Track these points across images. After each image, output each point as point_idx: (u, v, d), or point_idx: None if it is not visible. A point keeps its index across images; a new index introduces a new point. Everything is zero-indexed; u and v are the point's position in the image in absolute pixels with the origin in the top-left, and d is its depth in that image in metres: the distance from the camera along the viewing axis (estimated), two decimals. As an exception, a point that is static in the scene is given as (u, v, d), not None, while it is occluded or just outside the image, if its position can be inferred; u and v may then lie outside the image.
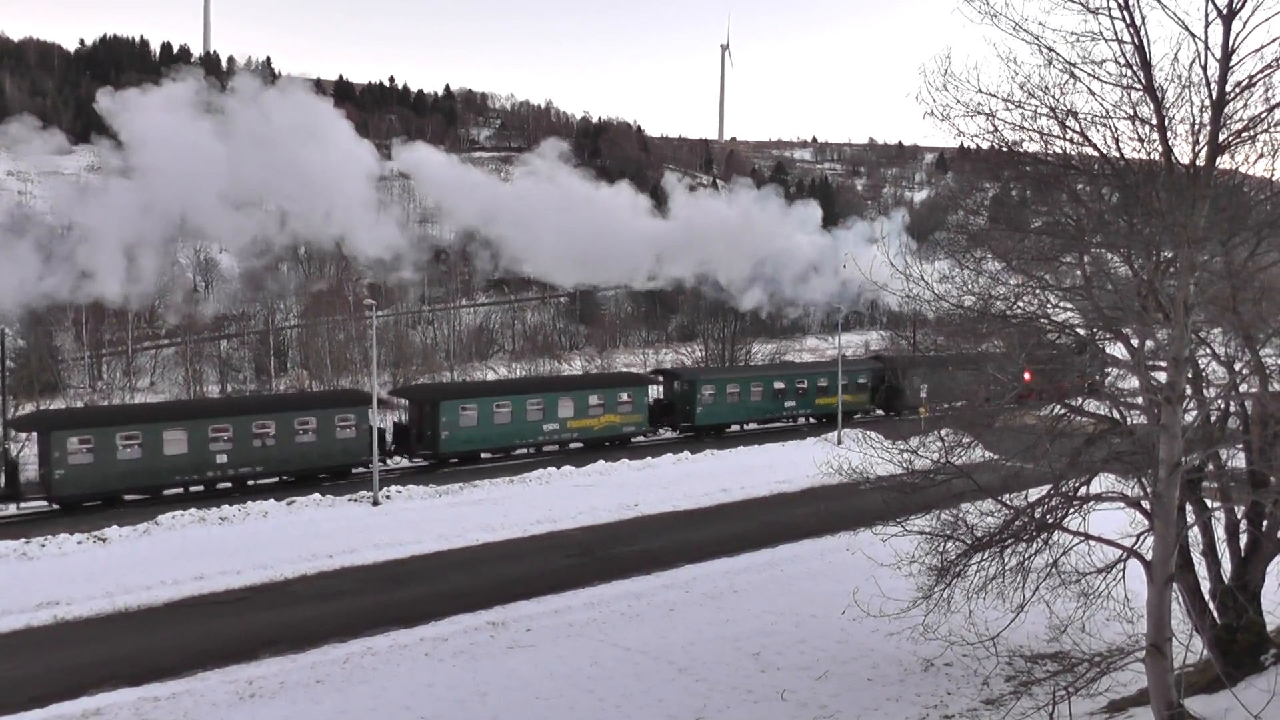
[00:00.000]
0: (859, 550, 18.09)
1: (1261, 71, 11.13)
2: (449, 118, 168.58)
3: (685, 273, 57.37)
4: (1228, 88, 11.27)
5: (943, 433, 16.33)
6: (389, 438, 40.29)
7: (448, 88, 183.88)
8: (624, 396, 45.89)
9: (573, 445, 44.36)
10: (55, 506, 32.44)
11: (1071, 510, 14.24)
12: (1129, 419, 14.35)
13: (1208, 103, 11.38)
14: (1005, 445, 15.53)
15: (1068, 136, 12.64)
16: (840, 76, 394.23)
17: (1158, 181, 11.95)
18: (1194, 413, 13.18)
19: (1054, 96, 12.35)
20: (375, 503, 32.35)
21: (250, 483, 35.88)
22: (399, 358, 71.84)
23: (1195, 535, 14.85)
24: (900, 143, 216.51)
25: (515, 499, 33.23)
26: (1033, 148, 13.14)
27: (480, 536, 28.70)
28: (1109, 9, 11.52)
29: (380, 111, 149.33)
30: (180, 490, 34.63)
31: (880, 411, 56.30)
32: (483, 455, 41.79)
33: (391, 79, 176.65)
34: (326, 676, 17.89)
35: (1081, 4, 11.62)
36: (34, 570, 24.66)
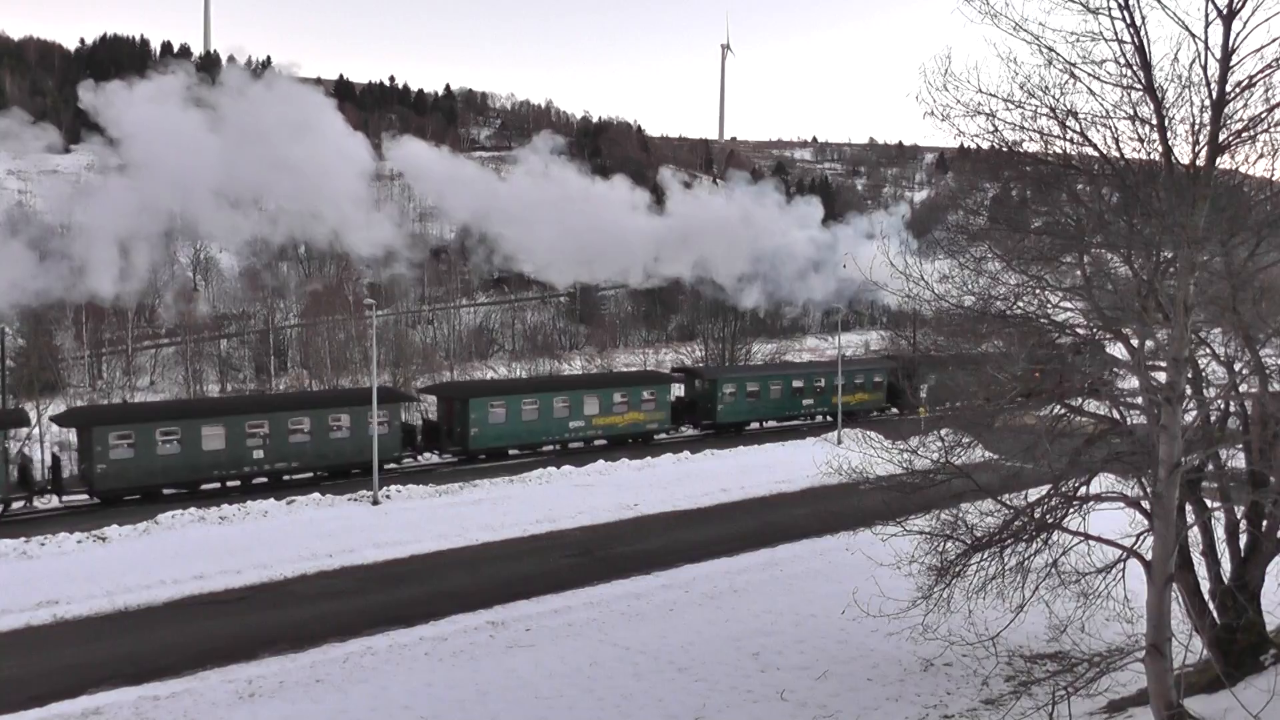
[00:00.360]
0: (858, 550, 18.10)
1: (1261, 71, 11.13)
2: (449, 117, 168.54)
3: (683, 269, 57.27)
4: (1228, 88, 11.26)
5: (942, 433, 16.34)
6: (419, 435, 41.32)
7: (448, 87, 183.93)
8: (647, 394, 46.76)
9: (597, 442, 45.00)
10: (96, 500, 33.00)
11: (1071, 510, 14.26)
12: (1129, 419, 14.36)
13: (1208, 103, 11.38)
14: (1005, 445, 15.54)
15: (1068, 136, 12.66)
16: (840, 76, 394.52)
17: (1158, 181, 11.95)
18: (1194, 413, 13.19)
19: (1054, 96, 12.37)
20: (375, 502, 32.36)
21: (285, 478, 36.62)
22: (399, 357, 71.82)
23: (1195, 535, 14.86)
24: (900, 143, 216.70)
25: (515, 499, 33.24)
26: (1033, 148, 13.15)
27: (480, 536, 28.70)
28: (1109, 9, 11.53)
29: (380, 111, 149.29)
30: (217, 485, 35.18)
31: (895, 411, 56.54)
32: (510, 452, 42.52)
33: (392, 79, 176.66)
34: (326, 676, 17.89)
35: (1082, 4, 11.62)
36: (34, 569, 24.66)
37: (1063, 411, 14.95)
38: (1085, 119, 12.37)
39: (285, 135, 39.21)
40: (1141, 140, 12.11)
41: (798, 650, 18.87)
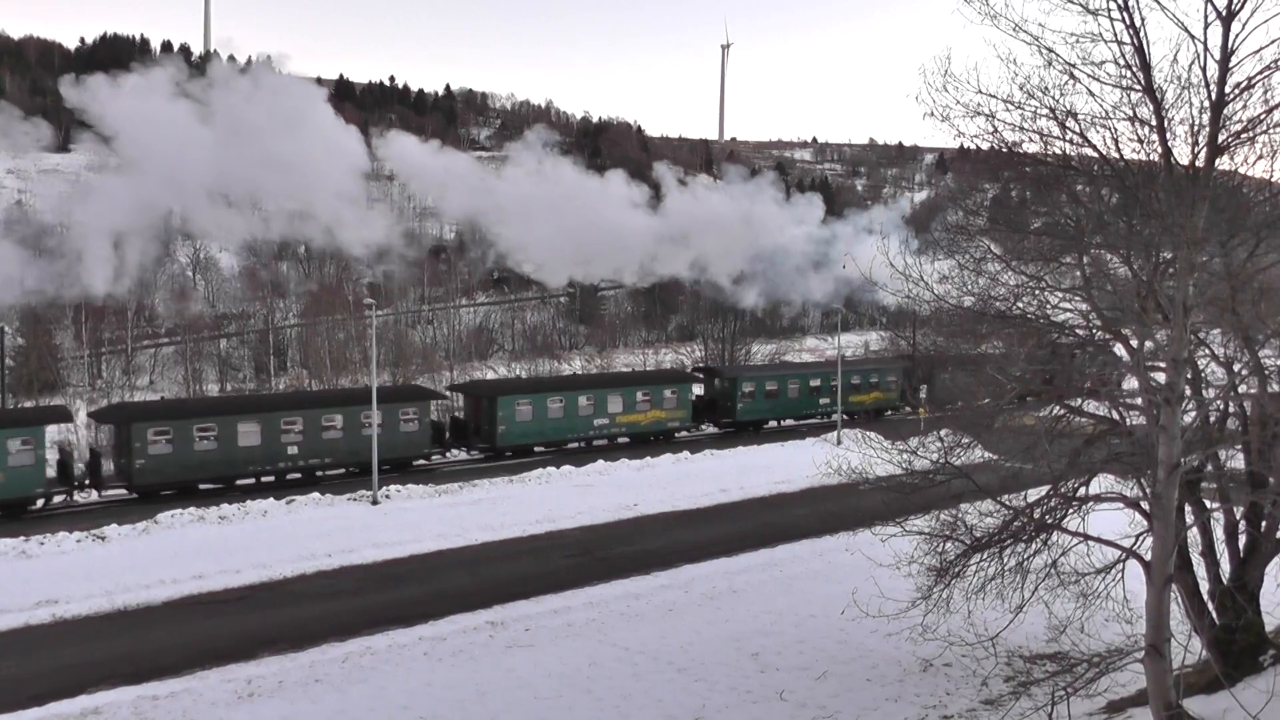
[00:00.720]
0: (858, 550, 18.10)
1: (1260, 73, 11.15)
2: (449, 117, 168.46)
3: (680, 267, 57.18)
4: (1227, 89, 11.28)
5: (942, 433, 16.35)
6: (448, 432, 41.97)
7: (448, 87, 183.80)
8: (669, 393, 47.59)
9: (620, 440, 45.59)
10: (134, 495, 33.48)
11: (1071, 511, 14.27)
12: (1128, 420, 14.37)
13: (1207, 104, 11.39)
14: (1005, 446, 15.55)
15: (1067, 137, 12.68)
16: (840, 77, 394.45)
17: (1157, 182, 11.96)
18: (1193, 414, 13.19)
19: (1054, 97, 12.39)
20: (374, 502, 32.35)
21: (319, 474, 37.11)
22: (398, 357, 71.80)
23: (1194, 536, 14.87)
24: (900, 143, 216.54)
25: (514, 499, 33.23)
26: (1032, 148, 13.18)
27: (479, 536, 28.69)
28: (1109, 10, 11.55)
29: (380, 111, 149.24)
30: (252, 480, 35.59)
31: (909, 410, 56.77)
32: (536, 449, 42.91)
33: (392, 78, 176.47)
34: (325, 676, 17.89)
35: (1081, 5, 11.64)
36: (33, 568, 24.65)
37: (1062, 412, 14.96)
38: (1085, 120, 12.40)
39: (274, 129, 38.78)
40: (1141, 141, 12.13)
41: (797, 651, 18.87)
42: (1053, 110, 12.46)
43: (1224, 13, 11.02)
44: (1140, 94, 11.85)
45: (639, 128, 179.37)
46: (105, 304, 69.87)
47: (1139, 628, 13.44)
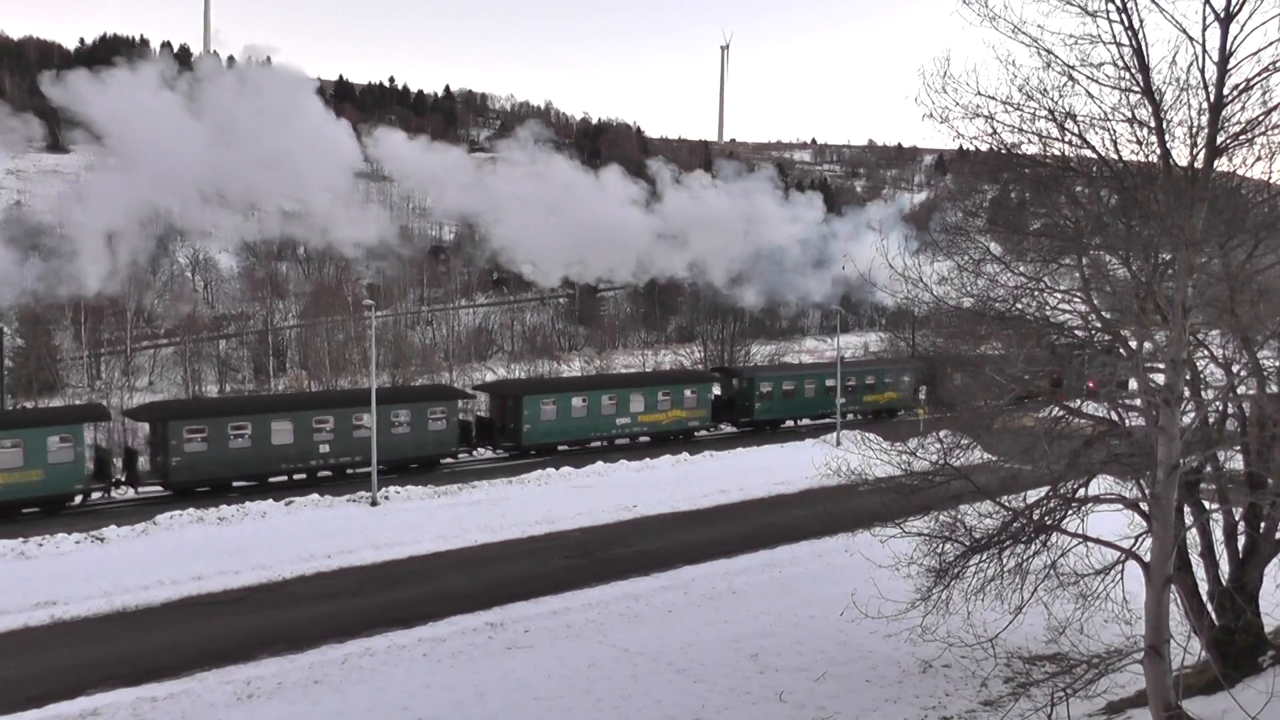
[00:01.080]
0: (857, 552, 18.10)
1: (1259, 75, 11.17)
2: (448, 118, 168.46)
3: (676, 263, 57.09)
4: (1225, 91, 11.30)
5: (941, 434, 16.35)
6: (473, 431, 42.46)
7: (447, 88, 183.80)
8: (689, 393, 48.38)
9: (641, 439, 46.23)
10: (169, 492, 34.03)
11: (1070, 512, 14.28)
12: (1127, 421, 14.37)
13: (1205, 105, 11.41)
14: (1004, 447, 15.55)
15: (1066, 139, 12.70)
16: (840, 78, 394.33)
17: (1156, 184, 11.98)
18: (1192, 415, 13.20)
19: (1052, 99, 12.41)
20: (374, 503, 32.33)
21: (349, 472, 37.62)
22: (398, 358, 71.81)
23: (1193, 537, 14.88)
24: (899, 144, 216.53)
25: (513, 500, 33.21)
26: (1031, 150, 13.20)
27: (479, 537, 28.68)
28: (1107, 12, 11.57)
29: (380, 112, 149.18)
30: (284, 478, 36.08)
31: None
32: (559, 447, 43.37)
33: (391, 79, 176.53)
34: (324, 677, 17.88)
35: (1080, 7, 11.66)
36: (32, 570, 24.63)
37: (1061, 413, 14.97)
38: (1084, 121, 12.42)
39: (261, 122, 38.50)
40: (1140, 143, 12.15)
41: (796, 652, 18.87)
42: (1051, 112, 12.48)
43: (1222, 15, 11.04)
44: (1139, 95, 11.87)
45: (638, 129, 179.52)
46: (104, 305, 69.92)
47: (1138, 629, 13.44)
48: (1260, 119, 11.36)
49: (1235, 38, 11.09)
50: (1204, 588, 14.84)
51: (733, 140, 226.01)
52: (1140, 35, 11.58)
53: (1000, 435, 15.66)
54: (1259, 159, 11.75)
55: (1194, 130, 11.60)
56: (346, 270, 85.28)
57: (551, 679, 17.57)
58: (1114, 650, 14.34)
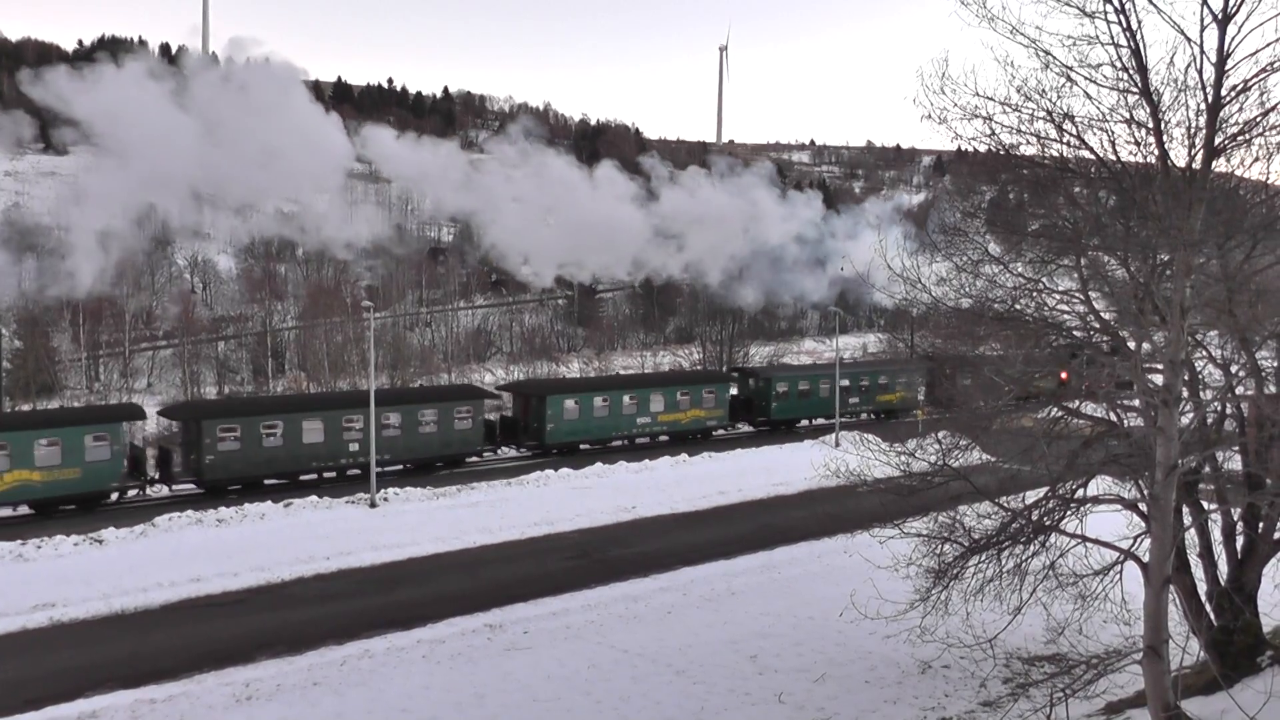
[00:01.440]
0: (856, 553, 18.11)
1: (1257, 76, 11.18)
2: (447, 120, 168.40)
3: (672, 261, 57.01)
4: (1223, 92, 11.31)
5: (940, 435, 16.35)
6: (498, 431, 43.23)
7: (446, 89, 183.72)
8: (707, 392, 49.24)
9: (661, 438, 46.95)
10: (202, 490, 34.68)
11: (1069, 512, 14.27)
12: (1126, 421, 14.38)
13: (1203, 106, 11.42)
14: (1003, 447, 15.55)
15: (1064, 140, 12.71)
16: (838, 79, 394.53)
17: (1154, 185, 11.99)
18: (1191, 415, 13.21)
19: (1051, 100, 12.42)
20: (373, 505, 32.31)
21: (377, 470, 37.55)
22: (397, 359, 71.78)
23: (1192, 537, 14.89)
24: (898, 145, 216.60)
25: (512, 501, 33.20)
26: (1030, 151, 13.20)
27: (477, 539, 28.68)
28: (1105, 13, 11.58)
29: (379, 113, 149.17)
30: (315, 476, 36.73)
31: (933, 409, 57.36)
32: (581, 446, 44.00)
33: (390, 81, 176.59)
34: (323, 679, 17.88)
35: (1078, 8, 11.67)
36: (30, 572, 24.60)
37: (1060, 414, 14.97)
38: (1082, 122, 12.43)
39: (248, 117, 38.33)
40: (1138, 144, 12.16)
41: (795, 653, 18.88)
42: (1050, 113, 12.50)
43: (1220, 16, 11.05)
44: (1137, 96, 11.88)
45: (637, 130, 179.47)
46: (102, 306, 69.87)
47: (1137, 629, 13.45)
48: (1258, 120, 11.37)
49: (1233, 39, 11.11)
50: (1203, 588, 14.85)
51: (731, 141, 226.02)
52: (1138, 36, 11.60)
53: (999, 436, 15.66)
54: (1257, 160, 11.77)
55: (1192, 131, 11.61)
56: (345, 272, 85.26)
57: (551, 680, 17.57)
58: (1113, 651, 14.37)
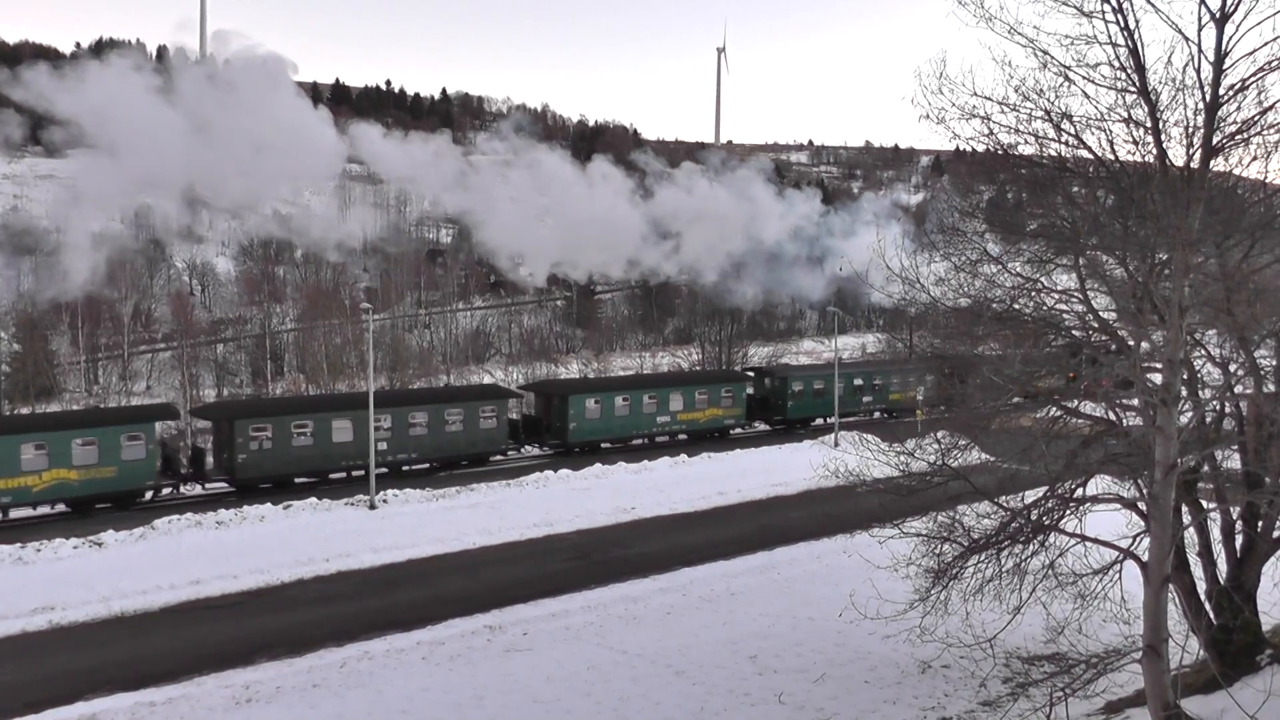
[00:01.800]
0: (856, 553, 18.10)
1: (1255, 75, 11.19)
2: (445, 121, 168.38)
3: (668, 256, 56.93)
4: (1221, 91, 11.32)
5: (939, 435, 16.35)
6: (520, 429, 43.77)
7: (444, 91, 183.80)
8: (725, 392, 49.97)
9: (679, 436, 47.53)
10: (234, 489, 35.21)
11: (1068, 512, 14.27)
12: (1125, 421, 14.38)
13: (1201, 106, 11.44)
14: (1002, 447, 15.55)
15: (1063, 139, 12.73)
16: (836, 79, 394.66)
17: (1152, 184, 12.00)
18: (1189, 414, 13.21)
19: (1049, 99, 12.44)
20: (372, 506, 32.28)
21: (404, 468, 38.79)
22: (395, 361, 71.73)
23: (1191, 536, 14.88)
24: (896, 146, 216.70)
25: (512, 502, 33.18)
26: (1028, 150, 13.22)
27: (477, 540, 28.67)
28: (1103, 13, 11.60)
29: (377, 115, 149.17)
30: (344, 475, 37.21)
31: (943, 408, 57.46)
32: (603, 445, 44.61)
33: (388, 82, 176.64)
34: (323, 681, 17.86)
35: (1076, 8, 11.69)
36: (29, 575, 24.58)
37: (1059, 413, 14.98)
38: (1080, 122, 12.45)
39: (236, 111, 38.19)
40: (1136, 143, 12.18)
41: (795, 653, 18.87)
42: (1048, 112, 12.51)
43: (1218, 15, 11.07)
44: (1135, 96, 11.90)
45: (635, 131, 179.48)
46: (101, 309, 69.81)
47: (1136, 628, 13.45)
48: (1256, 119, 11.39)
49: (1231, 38, 11.13)
50: (1202, 587, 14.85)
51: (729, 142, 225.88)
52: (1136, 36, 11.62)
53: (998, 436, 15.66)
54: (1255, 159, 11.78)
55: (1190, 130, 11.63)
56: (343, 273, 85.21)
57: (550, 681, 17.56)
58: (1112, 650, 14.35)
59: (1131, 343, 12.82)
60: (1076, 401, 15.11)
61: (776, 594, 22.90)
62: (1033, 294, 13.89)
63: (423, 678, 17.90)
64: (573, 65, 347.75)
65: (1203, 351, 14.23)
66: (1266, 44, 10.99)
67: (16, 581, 23.98)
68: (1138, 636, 13.11)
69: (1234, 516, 14.84)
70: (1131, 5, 11.51)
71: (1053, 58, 12.10)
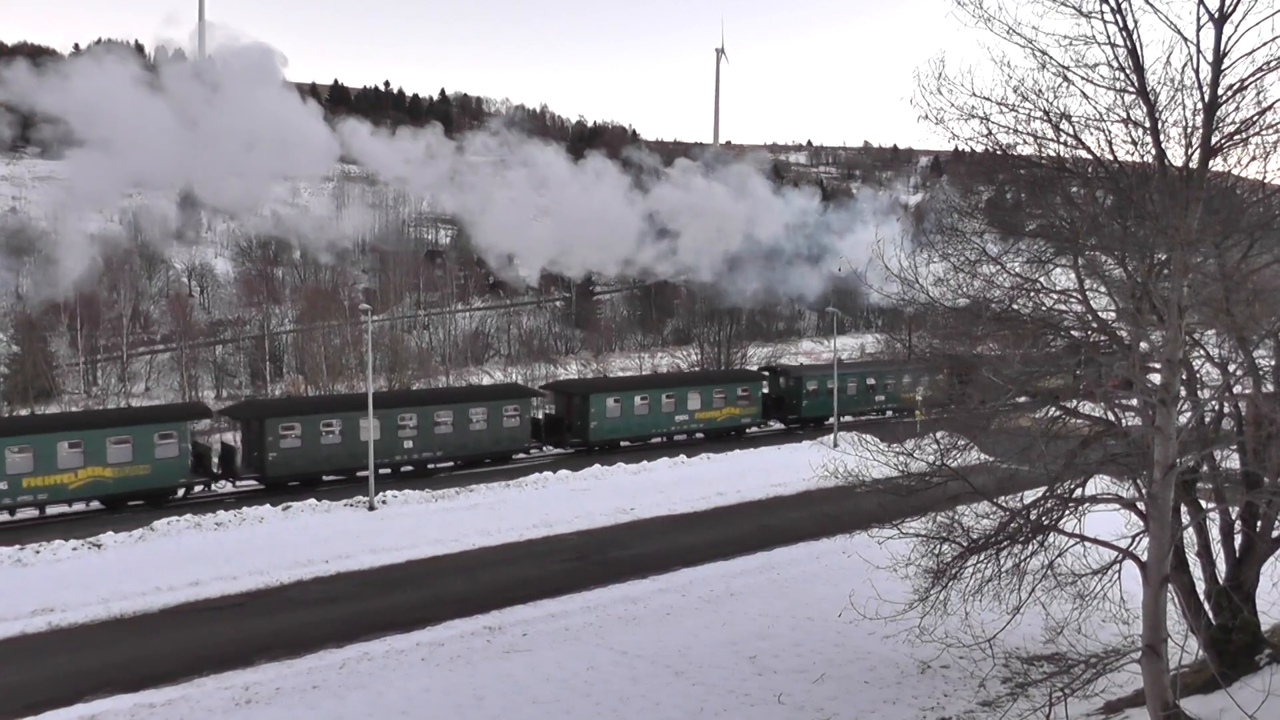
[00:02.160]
0: (855, 553, 18.11)
1: (1253, 75, 11.20)
2: (444, 122, 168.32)
3: (665, 253, 56.91)
4: (1219, 91, 11.33)
5: (938, 435, 16.35)
6: (542, 428, 44.30)
7: (443, 92, 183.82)
8: (741, 391, 50.48)
9: (697, 435, 48.10)
10: (264, 486, 35.74)
11: (1067, 512, 14.27)
12: (1124, 421, 14.39)
13: (1200, 106, 11.44)
14: (1001, 447, 15.55)
15: (1061, 140, 12.73)
16: (835, 80, 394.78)
17: (1151, 184, 12.01)
18: (1188, 414, 13.22)
19: (1047, 100, 12.45)
20: (371, 508, 32.27)
21: (430, 466, 39.26)
22: (394, 362, 71.73)
23: (1190, 536, 14.88)
24: (895, 146, 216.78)
25: (511, 503, 33.17)
26: (1027, 151, 13.23)
27: (476, 541, 28.66)
28: (1101, 13, 11.61)
29: (375, 115, 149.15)
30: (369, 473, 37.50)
31: (951, 407, 57.48)
32: (622, 443, 45.15)
33: (387, 83, 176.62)
34: (323, 682, 17.86)
35: (1074, 8, 11.70)
36: (29, 576, 24.56)
37: (1058, 413, 14.98)
38: (1079, 122, 12.46)
39: (224, 107, 38.15)
40: (1135, 143, 12.19)
41: (795, 653, 18.87)
42: (1047, 113, 12.52)
43: (1217, 15, 11.08)
44: (1134, 96, 11.91)
45: (634, 132, 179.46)
46: (100, 310, 69.76)
47: (1136, 628, 13.45)
48: (1254, 119, 11.40)
49: (1229, 38, 11.14)
50: (1201, 587, 14.85)
51: (728, 142, 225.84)
52: (1135, 36, 11.63)
53: (997, 436, 15.66)
54: (1253, 159, 11.80)
55: (1189, 130, 11.63)
56: (342, 274, 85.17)
57: (550, 682, 17.56)
58: (1112, 650, 14.35)
59: (1130, 343, 12.82)
60: (1076, 401, 15.12)
61: (776, 594, 22.91)
62: (1032, 294, 13.89)
63: (422, 678, 17.90)
64: (571, 66, 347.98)
65: (1201, 351, 14.24)
66: (1265, 44, 11.02)
67: (16, 583, 23.97)
68: (1137, 636, 13.12)
69: (1233, 516, 14.85)
70: (1130, 5, 11.53)
71: (1051, 58, 12.12)
